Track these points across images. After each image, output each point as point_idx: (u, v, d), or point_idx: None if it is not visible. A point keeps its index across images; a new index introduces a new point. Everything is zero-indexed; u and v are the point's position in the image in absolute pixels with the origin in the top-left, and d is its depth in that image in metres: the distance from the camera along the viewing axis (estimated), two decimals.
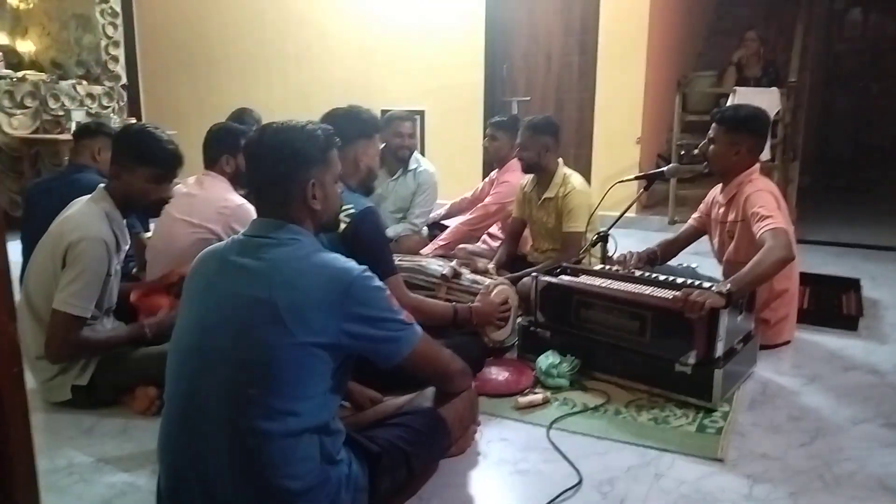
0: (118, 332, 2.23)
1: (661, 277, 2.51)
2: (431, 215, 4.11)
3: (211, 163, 2.66)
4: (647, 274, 2.58)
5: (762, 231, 2.38)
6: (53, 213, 2.23)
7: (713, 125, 2.69)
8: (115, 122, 5.41)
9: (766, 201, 2.49)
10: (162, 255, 2.57)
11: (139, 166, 2.17)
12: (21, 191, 4.96)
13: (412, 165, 3.80)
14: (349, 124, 2.18)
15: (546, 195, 3.15)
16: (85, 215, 2.13)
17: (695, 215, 2.96)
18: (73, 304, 2.02)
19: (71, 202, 2.23)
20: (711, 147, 2.68)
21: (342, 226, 2.05)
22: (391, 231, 3.65)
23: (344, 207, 2.03)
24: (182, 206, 2.56)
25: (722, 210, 2.74)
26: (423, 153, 5.83)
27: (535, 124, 3.12)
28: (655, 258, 2.83)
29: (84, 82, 5.52)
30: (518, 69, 5.68)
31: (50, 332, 2.05)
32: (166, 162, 2.21)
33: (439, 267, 2.62)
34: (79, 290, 2.03)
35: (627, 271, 2.60)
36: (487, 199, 3.75)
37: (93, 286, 2.06)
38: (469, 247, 3.65)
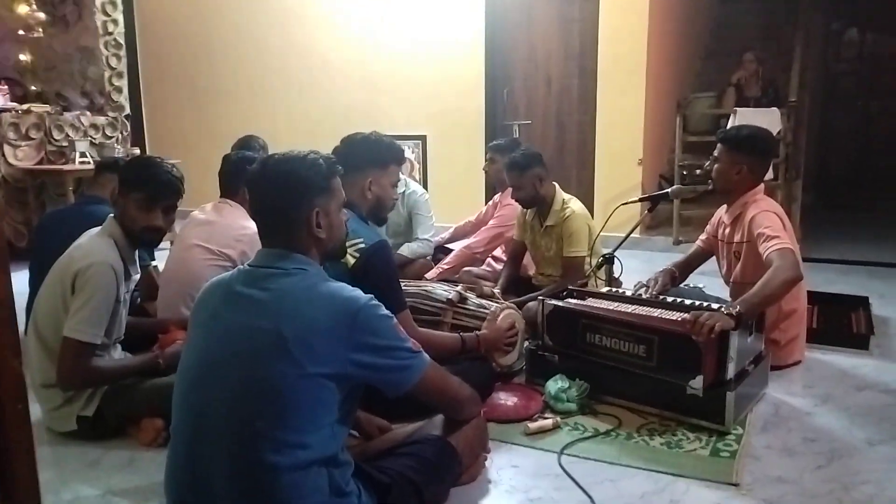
0: (131, 361, 2.22)
1: (669, 299, 2.50)
2: (436, 239, 4.12)
3: (229, 192, 2.68)
4: (654, 296, 2.57)
5: (769, 251, 2.37)
6: (66, 243, 2.23)
7: (718, 145, 2.71)
8: (119, 151, 5.44)
9: (772, 221, 2.49)
10: (176, 281, 2.57)
11: (130, 191, 2.18)
12: (25, 221, 4.98)
13: (400, 189, 3.81)
14: (363, 150, 2.18)
15: (547, 223, 3.15)
16: (94, 243, 2.15)
17: (702, 237, 2.96)
18: (82, 331, 2.02)
19: (83, 233, 2.24)
20: (716, 166, 2.69)
21: (351, 259, 2.01)
22: (407, 250, 3.65)
23: (353, 241, 2.00)
24: (199, 233, 2.59)
25: (727, 231, 2.73)
26: (425, 178, 5.89)
27: (518, 163, 3.07)
28: (676, 278, 2.82)
29: (88, 113, 5.56)
30: (518, 93, 5.71)
31: (61, 359, 2.03)
32: (154, 187, 2.18)
33: (445, 292, 2.61)
34: (88, 317, 2.03)
35: (637, 294, 2.58)
36: (491, 223, 3.75)
37: (102, 312, 2.06)
38: (474, 270, 3.64)
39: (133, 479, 1.95)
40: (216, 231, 2.58)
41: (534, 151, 3.17)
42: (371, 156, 2.19)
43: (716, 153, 2.70)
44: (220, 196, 2.72)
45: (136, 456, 2.07)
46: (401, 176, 3.82)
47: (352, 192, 2.15)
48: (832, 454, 2.02)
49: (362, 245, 2.04)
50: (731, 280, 2.75)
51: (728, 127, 3.05)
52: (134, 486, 1.91)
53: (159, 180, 2.20)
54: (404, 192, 3.83)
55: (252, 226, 2.46)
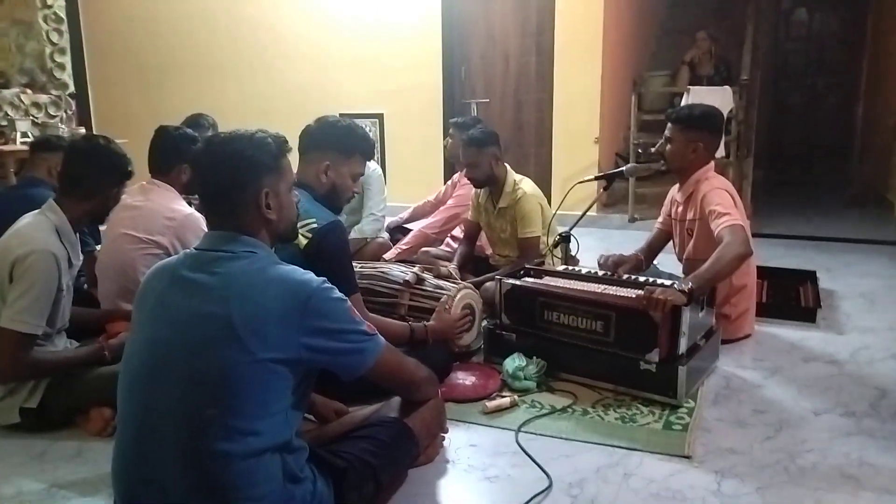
0: (75, 352, 2.13)
1: (624, 277, 2.53)
2: (393, 219, 4.09)
3: (161, 171, 2.54)
4: (608, 273, 2.60)
5: (720, 228, 2.41)
6: (3, 228, 2.13)
7: (669, 125, 2.72)
8: (64, 131, 5.23)
9: (723, 199, 2.53)
10: (110, 272, 2.47)
11: (108, 175, 2.17)
12: None
13: None
14: (330, 132, 2.13)
15: (500, 205, 3.14)
16: (34, 228, 2.05)
17: (659, 219, 2.99)
18: (22, 321, 1.93)
19: (20, 217, 2.13)
20: (668, 146, 2.71)
21: (303, 240, 1.96)
22: (357, 232, 3.60)
23: (306, 221, 1.97)
24: (126, 221, 2.44)
25: (680, 209, 2.77)
26: (383, 157, 5.82)
27: (478, 139, 3.05)
28: (641, 265, 2.83)
29: (29, 91, 5.32)
30: (476, 71, 5.68)
31: (0, 351, 1.94)
32: (124, 166, 2.21)
33: (402, 273, 2.58)
34: (28, 306, 1.94)
35: (604, 266, 2.61)
36: (449, 202, 3.74)
37: (42, 302, 1.97)
38: (432, 250, 3.63)
39: (81, 470, 1.89)
40: (143, 217, 2.44)
41: (492, 130, 3.16)
42: (336, 140, 2.13)
43: (667, 133, 2.72)
44: (150, 173, 2.56)
45: (84, 447, 2.01)
46: None
47: (308, 172, 2.11)
48: (780, 425, 2.08)
49: (315, 225, 1.99)
50: (685, 257, 2.80)
51: (680, 106, 3.07)
52: (82, 477, 1.85)
53: (122, 170, 2.21)
54: None
55: (183, 209, 2.40)
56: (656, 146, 2.82)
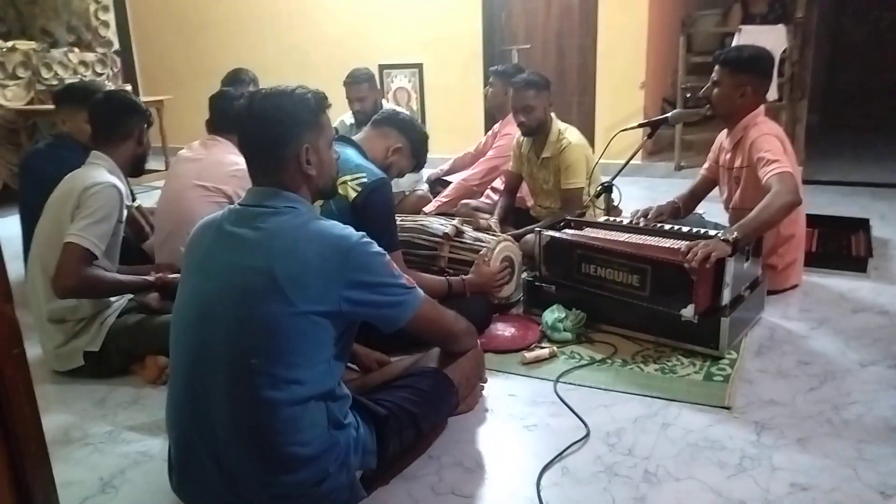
0: (128, 278, 2.24)
1: (667, 227, 2.49)
2: (433, 171, 4.08)
3: (222, 131, 2.63)
4: (652, 224, 2.55)
5: (768, 176, 2.34)
6: (38, 187, 2.29)
7: (716, 67, 2.62)
8: (111, 87, 5.33)
9: (773, 145, 2.44)
10: (172, 221, 2.55)
11: (134, 116, 2.35)
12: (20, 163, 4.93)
13: None
14: (411, 128, 2.30)
15: (544, 155, 3.09)
16: (92, 170, 2.22)
17: (705, 165, 2.91)
18: (85, 238, 2.05)
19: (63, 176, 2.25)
20: (716, 90, 2.61)
21: (352, 193, 2.05)
22: (394, 186, 3.61)
23: (357, 175, 2.07)
24: (190, 171, 2.56)
25: (728, 156, 2.69)
26: (423, 108, 5.77)
27: (536, 82, 2.99)
28: (679, 211, 2.79)
29: (76, 49, 5.42)
30: (517, 16, 5.52)
31: (60, 263, 2.04)
32: (142, 116, 2.41)
33: (441, 226, 2.60)
34: (92, 226, 2.06)
35: (637, 222, 2.57)
36: (489, 154, 3.70)
37: (104, 227, 2.09)
38: (472, 202, 3.61)
39: (139, 416, 2.00)
40: (208, 167, 2.55)
41: (546, 76, 3.09)
42: (410, 135, 2.28)
43: (714, 76, 2.62)
44: (210, 132, 2.66)
45: (141, 393, 2.12)
46: (395, 105, 3.80)
47: (376, 143, 2.26)
48: (825, 376, 2.05)
49: (365, 180, 2.07)
50: (731, 206, 2.72)
51: (729, 47, 2.92)
52: (140, 422, 1.96)
53: (141, 110, 2.41)
54: None
55: (242, 161, 2.45)
56: (703, 90, 2.72)
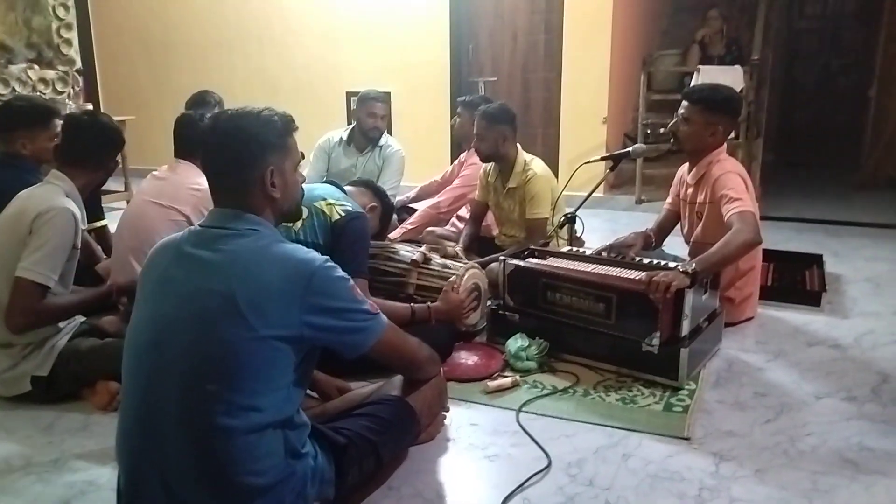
0: (83, 294, 2.20)
1: (628, 258, 2.53)
2: (400, 198, 4.08)
3: (188, 155, 2.57)
4: (613, 255, 2.59)
5: (730, 213, 2.39)
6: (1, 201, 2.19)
7: (685, 104, 2.65)
8: (71, 107, 5.23)
9: (735, 183, 2.50)
10: (128, 236, 2.51)
11: (110, 148, 2.33)
12: None
13: (381, 143, 3.91)
14: (372, 183, 2.67)
15: (509, 185, 3.13)
16: (48, 192, 2.14)
17: (668, 200, 2.97)
18: (37, 272, 1.99)
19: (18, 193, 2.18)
20: (685, 127, 2.64)
21: (336, 215, 2.20)
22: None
23: (343, 202, 2.27)
24: (152, 190, 2.54)
25: (690, 191, 2.74)
26: (390, 135, 5.79)
27: (491, 113, 3.05)
28: (651, 242, 2.84)
29: (36, 66, 5.31)
30: (484, 49, 5.62)
31: (11, 299, 2.00)
32: (118, 144, 2.38)
33: (408, 252, 2.59)
34: (43, 259, 2.01)
35: (601, 254, 2.60)
36: (456, 182, 3.73)
37: (58, 256, 2.04)
38: (438, 230, 3.62)
39: (88, 442, 1.92)
40: (169, 186, 2.52)
41: (508, 109, 3.13)
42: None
43: (683, 112, 2.64)
44: (176, 156, 2.61)
45: (91, 420, 2.04)
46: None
47: (356, 196, 2.47)
48: (781, 408, 2.09)
49: (350, 208, 2.25)
50: (692, 240, 2.77)
51: (693, 84, 3.00)
52: (88, 450, 1.88)
53: (121, 141, 2.40)
54: (382, 145, 3.90)
55: (206, 183, 2.42)
56: (669, 125, 2.76)
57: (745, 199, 2.43)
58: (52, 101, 5.24)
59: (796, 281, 3.31)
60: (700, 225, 2.69)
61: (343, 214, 2.21)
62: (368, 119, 3.83)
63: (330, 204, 2.23)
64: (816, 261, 3.51)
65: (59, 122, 2.76)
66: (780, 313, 2.89)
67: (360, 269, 2.15)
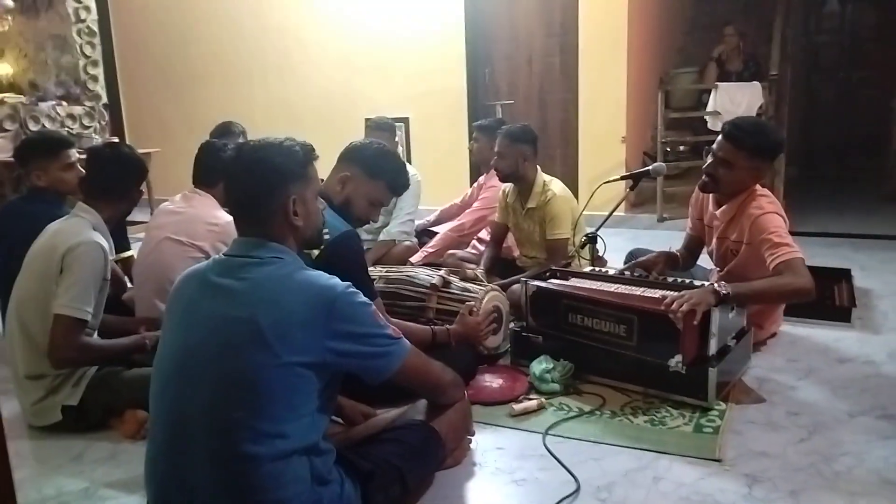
0: (118, 341, 2.21)
1: (652, 277, 2.50)
2: (420, 222, 4.10)
3: (206, 184, 2.61)
4: (637, 274, 2.57)
5: (778, 261, 2.25)
6: (28, 236, 2.22)
7: (728, 146, 2.42)
8: (98, 141, 5.35)
9: (777, 225, 2.35)
10: (148, 275, 2.52)
11: (134, 177, 2.33)
12: None
13: None
14: (365, 150, 2.14)
15: (529, 206, 3.13)
16: (76, 225, 2.17)
17: (689, 225, 2.86)
18: (73, 307, 2.03)
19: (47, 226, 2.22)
20: (726, 170, 2.43)
21: (314, 251, 1.93)
22: (385, 234, 3.65)
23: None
24: (169, 225, 2.53)
25: (721, 226, 2.58)
26: (409, 160, 5.83)
27: (512, 133, 3.08)
28: (677, 261, 2.76)
29: (64, 103, 5.46)
30: (500, 72, 5.67)
31: (52, 337, 2.04)
32: (142, 171, 2.39)
33: (428, 277, 2.60)
34: (78, 294, 2.04)
35: (624, 274, 2.57)
36: (476, 205, 3.74)
37: (91, 290, 2.07)
38: (458, 253, 3.63)
39: (116, 472, 1.93)
40: (186, 222, 2.52)
41: (531, 130, 3.15)
42: (365, 158, 2.12)
43: (724, 155, 2.43)
44: (194, 184, 2.64)
45: (119, 448, 2.05)
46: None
47: (330, 180, 2.13)
48: (814, 427, 2.04)
49: (327, 236, 1.96)
50: (727, 270, 2.59)
51: (740, 120, 2.65)
52: (117, 479, 1.89)
53: (144, 171, 2.40)
54: None
55: (224, 216, 2.46)
56: (705, 165, 2.53)
57: (790, 243, 2.29)
58: (78, 135, 5.39)
59: (825, 297, 3.25)
60: (736, 262, 2.53)
61: (322, 248, 1.93)
62: None
63: None
64: (845, 275, 3.45)
65: (72, 153, 2.85)
66: (809, 330, 2.84)
67: (367, 293, 1.81)
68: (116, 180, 2.28)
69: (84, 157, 2.52)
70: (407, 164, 3.99)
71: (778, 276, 2.24)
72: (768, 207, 2.41)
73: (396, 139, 4.05)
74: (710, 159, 2.51)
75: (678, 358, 2.12)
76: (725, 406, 2.15)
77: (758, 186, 2.51)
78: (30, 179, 2.86)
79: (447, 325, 2.35)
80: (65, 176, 2.80)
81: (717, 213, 2.58)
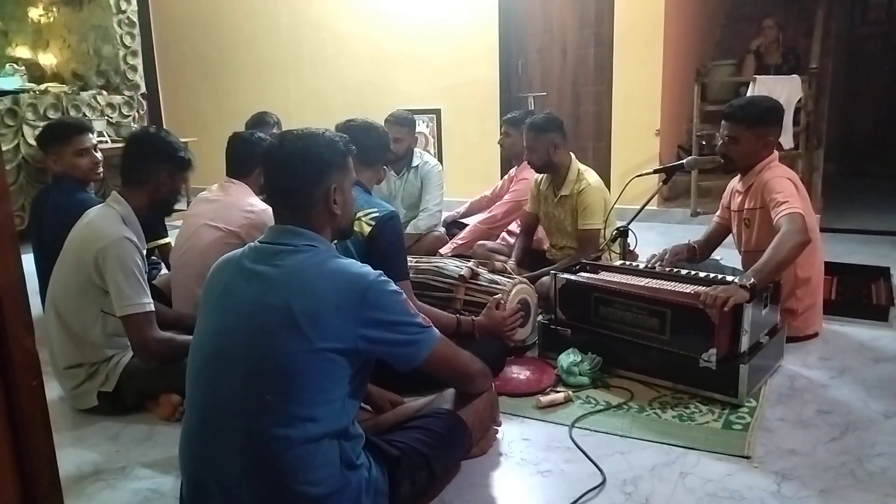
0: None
1: (683, 272, 2.48)
2: (449, 214, 4.12)
3: (239, 174, 2.64)
4: (668, 268, 2.55)
5: (779, 216, 2.35)
6: (66, 227, 2.25)
7: (728, 124, 2.62)
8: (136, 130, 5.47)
9: (784, 187, 2.46)
10: (186, 262, 2.57)
11: (158, 162, 2.21)
12: None
13: (415, 162, 3.87)
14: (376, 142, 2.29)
15: (562, 193, 3.12)
16: (103, 220, 2.16)
17: (718, 213, 2.92)
18: (132, 305, 2.05)
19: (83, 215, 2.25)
20: (734, 146, 2.62)
21: (367, 227, 2.13)
22: (412, 228, 3.67)
23: (368, 211, 2.15)
24: (206, 212, 2.58)
25: (739, 199, 2.70)
26: (440, 152, 5.86)
27: (537, 125, 3.07)
28: (695, 253, 2.79)
29: (104, 92, 5.59)
30: (533, 64, 5.64)
31: (130, 339, 2.09)
32: (182, 157, 2.28)
33: (457, 268, 2.61)
34: (127, 291, 2.05)
35: (651, 266, 2.56)
36: (506, 197, 3.74)
37: (138, 280, 2.08)
38: (488, 244, 3.63)
39: (151, 452, 1.99)
40: (223, 209, 2.56)
41: (555, 117, 3.14)
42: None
43: (729, 133, 2.62)
44: (228, 174, 2.67)
45: (155, 430, 2.12)
46: (416, 150, 3.89)
47: (368, 171, 2.26)
48: (847, 426, 2.01)
49: (377, 214, 2.16)
50: (744, 249, 2.72)
51: (738, 101, 2.84)
52: (152, 459, 1.95)
53: (168, 154, 2.25)
54: (418, 164, 3.86)
55: (259, 204, 2.50)
56: (717, 148, 2.73)
57: (792, 200, 2.38)
58: (118, 124, 5.51)
59: (862, 295, 3.18)
60: (752, 232, 2.64)
61: (373, 224, 2.14)
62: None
63: (357, 219, 2.12)
64: (883, 274, 3.36)
65: (85, 138, 2.86)
66: (844, 328, 2.79)
67: (401, 272, 2.13)
68: (141, 164, 2.21)
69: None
70: (426, 155, 4.01)
71: (776, 238, 2.27)
72: (779, 173, 2.55)
73: (419, 132, 4.02)
74: (720, 143, 2.69)
75: (712, 352, 2.11)
76: (756, 403, 2.13)
77: (775, 161, 2.62)
78: (50, 166, 2.91)
79: (473, 317, 2.36)
80: (78, 161, 2.82)
81: (739, 186, 2.73)
